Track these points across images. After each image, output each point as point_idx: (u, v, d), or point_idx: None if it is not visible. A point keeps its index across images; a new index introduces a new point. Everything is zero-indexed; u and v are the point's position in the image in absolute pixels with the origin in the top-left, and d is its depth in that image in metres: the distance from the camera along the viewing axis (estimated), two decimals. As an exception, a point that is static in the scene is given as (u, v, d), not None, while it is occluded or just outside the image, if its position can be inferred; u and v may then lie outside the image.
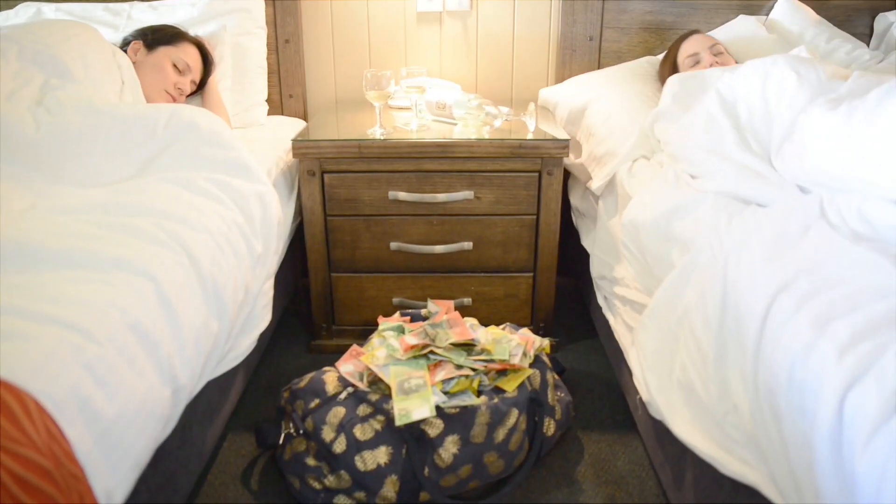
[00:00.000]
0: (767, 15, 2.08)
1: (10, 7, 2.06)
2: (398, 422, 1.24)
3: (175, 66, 1.76)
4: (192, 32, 1.88)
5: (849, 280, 0.88)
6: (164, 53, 1.75)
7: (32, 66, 1.45)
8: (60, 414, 0.66)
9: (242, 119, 2.02)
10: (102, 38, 1.68)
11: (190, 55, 1.79)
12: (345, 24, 2.23)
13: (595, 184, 1.67)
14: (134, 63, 1.72)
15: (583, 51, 2.16)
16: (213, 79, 1.88)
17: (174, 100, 1.77)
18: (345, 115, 2.05)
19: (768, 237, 0.98)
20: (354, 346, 1.45)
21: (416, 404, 1.26)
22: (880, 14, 2.08)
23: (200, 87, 1.86)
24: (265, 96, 2.11)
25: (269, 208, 1.42)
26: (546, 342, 1.51)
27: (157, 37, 1.77)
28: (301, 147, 1.65)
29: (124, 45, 1.78)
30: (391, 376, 1.31)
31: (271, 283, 1.55)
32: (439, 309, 1.53)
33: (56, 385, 0.68)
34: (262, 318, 1.44)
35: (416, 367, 1.34)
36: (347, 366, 1.40)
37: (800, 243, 0.96)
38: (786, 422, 0.79)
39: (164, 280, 0.95)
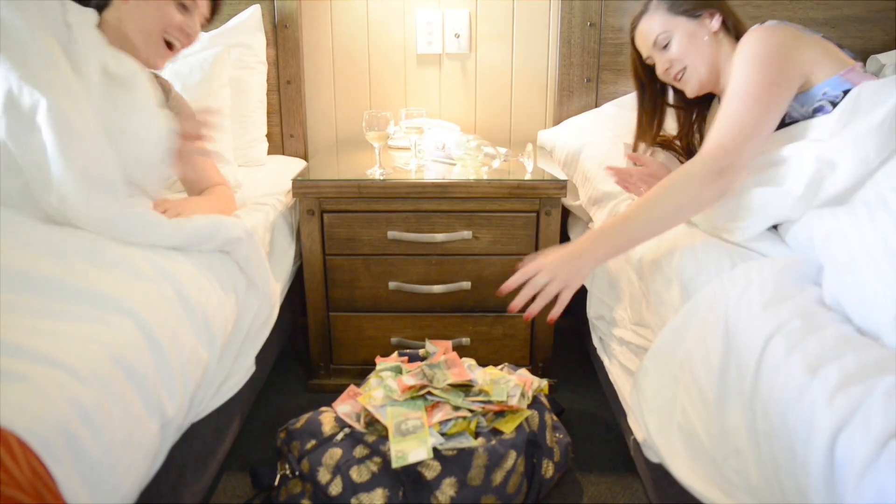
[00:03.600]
0: None
1: None
2: (395, 464, 1.22)
3: (182, 5, 1.35)
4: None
5: (841, 324, 0.87)
6: None
7: None
8: (46, 452, 0.66)
9: (244, 156, 2.04)
10: None
11: None
12: (346, 66, 2.27)
13: (597, 226, 1.67)
14: (115, 6, 1.32)
15: (580, 92, 2.19)
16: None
17: (177, 49, 1.40)
18: (345, 155, 2.07)
19: (769, 286, 0.98)
20: (352, 387, 1.44)
21: (412, 446, 1.25)
22: (871, 56, 2.11)
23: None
24: (265, 131, 2.13)
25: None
26: (544, 383, 1.50)
27: None
28: (301, 187, 1.67)
29: None
30: (388, 417, 1.30)
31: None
32: (437, 349, 1.52)
33: (41, 423, 0.67)
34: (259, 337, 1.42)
35: (414, 407, 1.33)
36: (344, 406, 1.39)
37: (797, 296, 0.96)
38: (781, 466, 0.78)
39: (147, 312, 0.95)
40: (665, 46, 1.44)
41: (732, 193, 1.23)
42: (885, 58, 2.06)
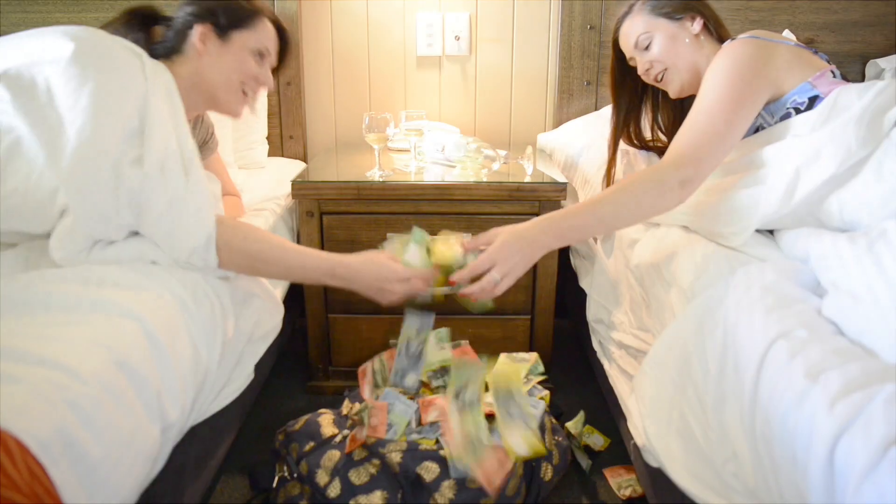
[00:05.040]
0: None
1: None
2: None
3: (259, 53, 1.38)
4: None
5: (843, 337, 0.87)
6: (241, 40, 1.35)
7: None
8: (44, 454, 0.65)
9: (245, 158, 2.04)
10: (120, 57, 1.17)
11: (270, 36, 1.41)
12: (346, 68, 2.27)
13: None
14: (198, 54, 1.32)
15: (580, 95, 2.19)
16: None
17: (250, 96, 1.42)
18: (344, 157, 2.07)
19: (771, 290, 0.98)
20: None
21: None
22: (871, 61, 2.11)
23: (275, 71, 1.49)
24: (265, 133, 2.13)
25: None
26: (545, 393, 1.49)
27: (231, 19, 1.34)
28: (300, 188, 1.67)
29: (179, 29, 1.34)
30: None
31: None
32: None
33: (40, 425, 0.67)
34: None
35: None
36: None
37: (800, 304, 0.95)
38: (781, 471, 0.78)
39: (149, 316, 0.95)
40: (647, 48, 1.46)
41: (721, 198, 1.24)
42: (885, 62, 2.06)
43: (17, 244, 1.16)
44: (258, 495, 1.43)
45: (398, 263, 1.28)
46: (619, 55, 1.56)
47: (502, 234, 1.24)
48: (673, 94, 1.49)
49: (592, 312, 1.65)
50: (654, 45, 1.44)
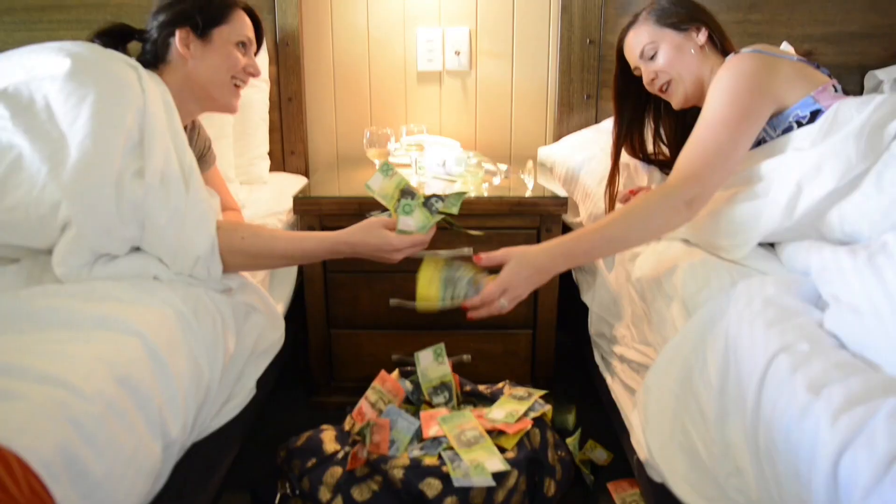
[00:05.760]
0: None
1: None
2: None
3: (241, 44, 1.38)
4: None
5: (845, 350, 0.87)
6: (222, 36, 1.35)
7: None
8: (46, 472, 0.65)
9: (246, 174, 2.04)
10: (114, 66, 1.21)
11: (248, 25, 1.41)
12: (347, 83, 2.28)
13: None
14: (184, 59, 1.34)
15: (580, 109, 2.20)
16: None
17: (242, 87, 1.43)
18: (346, 172, 2.07)
19: (773, 303, 0.98)
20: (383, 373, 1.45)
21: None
22: (869, 72, 2.12)
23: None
24: (266, 149, 2.14)
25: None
26: (548, 407, 1.48)
27: (208, 17, 1.34)
28: (302, 204, 1.67)
29: (158, 40, 1.35)
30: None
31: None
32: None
33: (42, 442, 0.67)
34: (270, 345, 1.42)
35: (464, 418, 1.35)
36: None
37: (801, 316, 0.95)
38: (784, 485, 0.77)
39: (151, 333, 0.95)
40: (652, 57, 1.47)
41: (723, 211, 1.25)
42: (884, 73, 2.07)
43: (19, 259, 1.17)
44: (260, 512, 1.43)
45: (393, 233, 1.31)
46: (622, 65, 1.57)
47: (514, 258, 1.25)
48: (676, 105, 1.50)
49: (594, 326, 1.64)
50: (660, 55, 1.45)
